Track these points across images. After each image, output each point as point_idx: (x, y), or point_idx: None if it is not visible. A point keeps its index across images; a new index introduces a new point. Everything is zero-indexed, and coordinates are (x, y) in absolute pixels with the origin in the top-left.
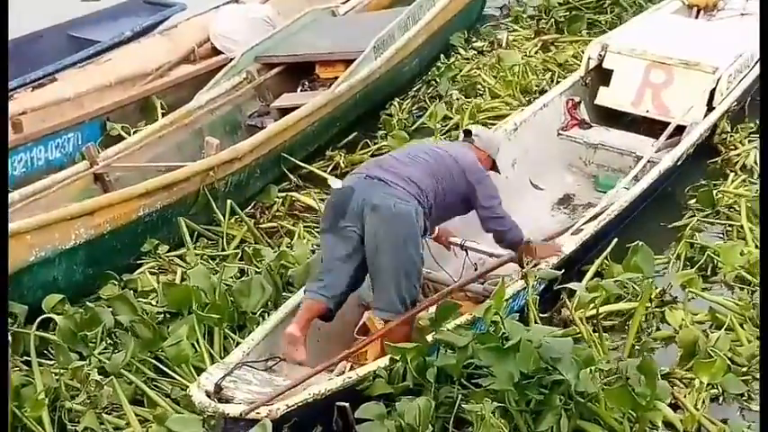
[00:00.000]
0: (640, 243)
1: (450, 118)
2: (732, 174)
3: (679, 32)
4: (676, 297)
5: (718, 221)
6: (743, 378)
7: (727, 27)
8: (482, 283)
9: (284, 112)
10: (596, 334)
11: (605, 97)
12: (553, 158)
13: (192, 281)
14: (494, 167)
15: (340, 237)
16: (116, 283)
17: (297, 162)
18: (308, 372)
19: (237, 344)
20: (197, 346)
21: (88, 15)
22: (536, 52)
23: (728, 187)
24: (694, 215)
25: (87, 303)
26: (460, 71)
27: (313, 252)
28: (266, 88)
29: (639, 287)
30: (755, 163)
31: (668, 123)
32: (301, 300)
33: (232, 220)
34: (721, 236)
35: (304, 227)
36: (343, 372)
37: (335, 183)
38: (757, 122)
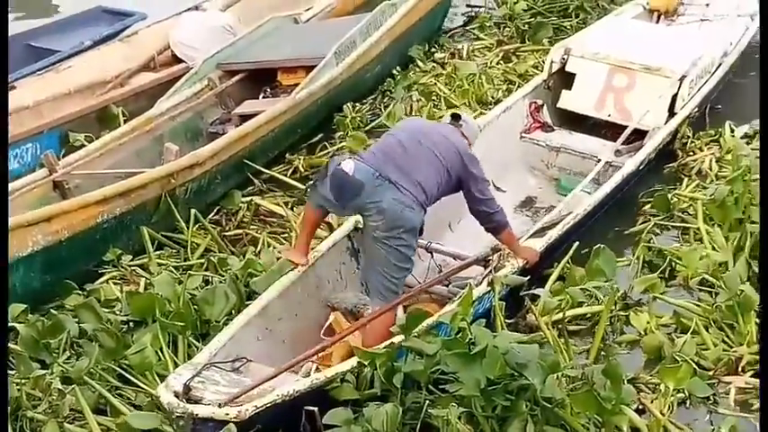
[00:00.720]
0: (602, 246)
1: None
2: (687, 178)
3: (641, 37)
4: (640, 300)
5: (673, 225)
6: (709, 381)
7: (688, 33)
8: (447, 285)
9: (246, 119)
10: (562, 339)
11: (568, 101)
12: (515, 161)
13: (156, 289)
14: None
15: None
16: (80, 293)
17: (257, 167)
18: (274, 371)
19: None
20: (161, 353)
21: (47, 25)
22: (497, 63)
23: (684, 191)
24: (650, 219)
25: (51, 311)
26: (417, 82)
27: (278, 260)
28: (228, 95)
29: (603, 291)
30: (710, 169)
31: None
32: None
33: (195, 228)
34: (677, 239)
35: (269, 233)
36: (309, 373)
37: (347, 164)
38: (719, 130)
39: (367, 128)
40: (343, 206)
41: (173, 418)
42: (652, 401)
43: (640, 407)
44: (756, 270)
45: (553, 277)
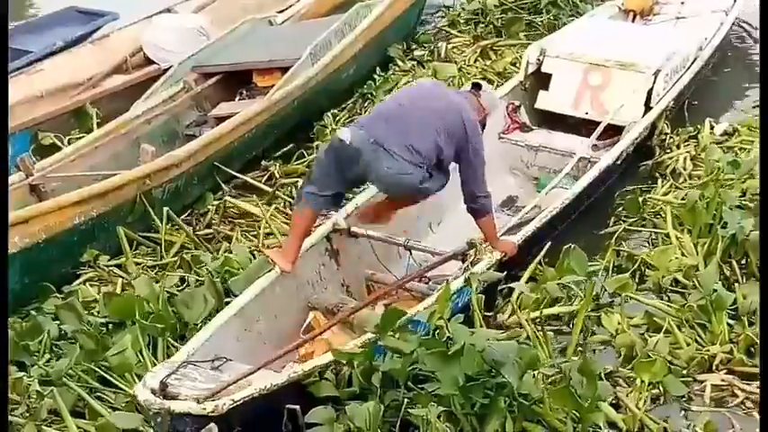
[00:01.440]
0: (573, 246)
1: None
2: (661, 179)
3: (616, 36)
4: (611, 302)
5: (644, 228)
6: (684, 380)
7: (663, 30)
8: (426, 282)
9: (222, 121)
10: (541, 335)
11: (545, 101)
12: (495, 161)
13: (135, 291)
14: (482, 125)
15: (336, 177)
16: (58, 296)
17: (232, 172)
18: (253, 367)
19: None
20: (140, 355)
21: (19, 25)
22: (475, 60)
23: (657, 193)
24: (622, 222)
25: (31, 312)
26: (397, 84)
27: (253, 256)
28: (204, 98)
29: (578, 289)
30: (684, 168)
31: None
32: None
33: (169, 226)
34: (646, 243)
35: (241, 231)
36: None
37: (343, 132)
38: (698, 126)
39: None
40: (344, 179)
41: (150, 414)
42: (627, 395)
43: (616, 401)
44: (728, 273)
45: (525, 277)
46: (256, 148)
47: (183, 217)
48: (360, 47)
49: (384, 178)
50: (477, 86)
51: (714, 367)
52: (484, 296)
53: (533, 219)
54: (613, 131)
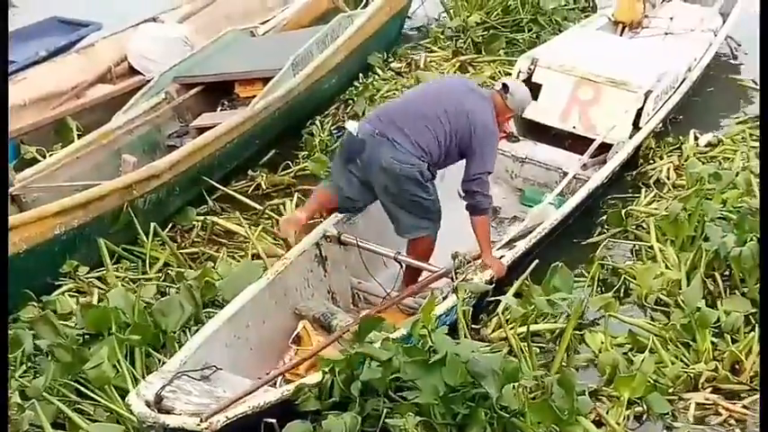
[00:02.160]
0: (560, 264)
1: None
2: (644, 189)
3: (608, 50)
4: (595, 319)
5: (627, 241)
6: (669, 398)
7: (654, 46)
8: (413, 297)
9: (204, 131)
10: (527, 350)
11: (533, 111)
12: None
13: (112, 302)
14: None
15: (345, 175)
16: (35, 305)
17: (216, 185)
18: (251, 384)
19: (163, 363)
20: (119, 366)
21: None
22: (454, 72)
23: (640, 204)
24: (605, 232)
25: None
26: (378, 91)
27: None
28: (185, 108)
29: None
30: (668, 178)
31: (594, 140)
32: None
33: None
34: (630, 255)
35: (227, 252)
36: (276, 383)
37: (351, 125)
38: (681, 138)
39: (332, 148)
40: (348, 172)
41: (143, 427)
42: (608, 411)
43: (598, 418)
44: (711, 287)
45: (510, 293)
46: (238, 159)
47: (166, 231)
48: (341, 58)
49: (388, 169)
50: (505, 88)
51: (700, 385)
52: (472, 310)
53: (525, 236)
54: (600, 148)
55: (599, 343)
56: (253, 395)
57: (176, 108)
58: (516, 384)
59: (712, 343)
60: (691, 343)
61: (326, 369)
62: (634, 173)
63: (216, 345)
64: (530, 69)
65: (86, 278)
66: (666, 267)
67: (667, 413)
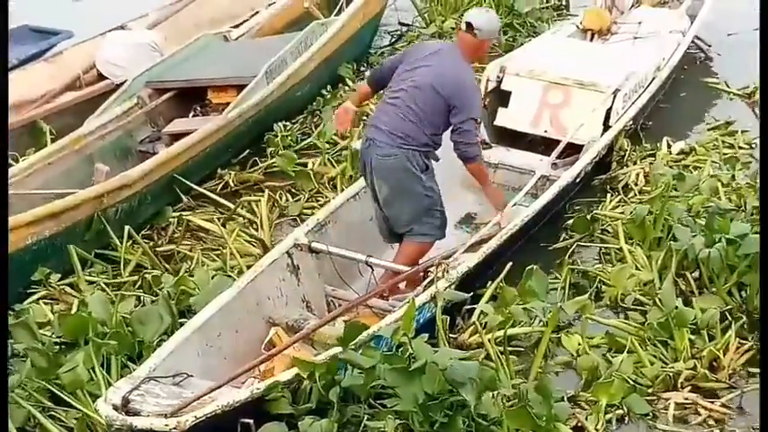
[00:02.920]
0: (535, 267)
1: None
2: (610, 194)
3: (575, 55)
4: (571, 321)
5: (594, 244)
6: (648, 398)
7: (622, 50)
8: (386, 298)
9: (176, 137)
10: (503, 356)
11: (504, 118)
12: (455, 178)
13: (90, 309)
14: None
15: (371, 195)
16: (11, 313)
17: (188, 183)
18: (216, 383)
19: None
20: (93, 373)
21: None
22: None
23: (605, 208)
24: (572, 236)
25: None
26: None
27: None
28: (158, 114)
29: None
30: (636, 183)
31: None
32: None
33: (128, 244)
34: (597, 257)
35: (202, 251)
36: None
37: (358, 144)
38: (657, 144)
39: (297, 147)
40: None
41: (112, 430)
42: (587, 417)
43: (579, 424)
44: (684, 288)
45: (486, 296)
46: (210, 167)
47: (142, 233)
48: (315, 66)
49: (376, 168)
50: (469, 26)
51: (679, 384)
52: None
53: (493, 236)
54: (572, 149)
55: (576, 345)
56: (220, 393)
57: (149, 113)
58: (495, 393)
59: (690, 341)
60: (669, 342)
61: (305, 373)
62: (604, 177)
63: (187, 353)
64: (498, 77)
65: (58, 285)
66: (637, 268)
67: (647, 414)
